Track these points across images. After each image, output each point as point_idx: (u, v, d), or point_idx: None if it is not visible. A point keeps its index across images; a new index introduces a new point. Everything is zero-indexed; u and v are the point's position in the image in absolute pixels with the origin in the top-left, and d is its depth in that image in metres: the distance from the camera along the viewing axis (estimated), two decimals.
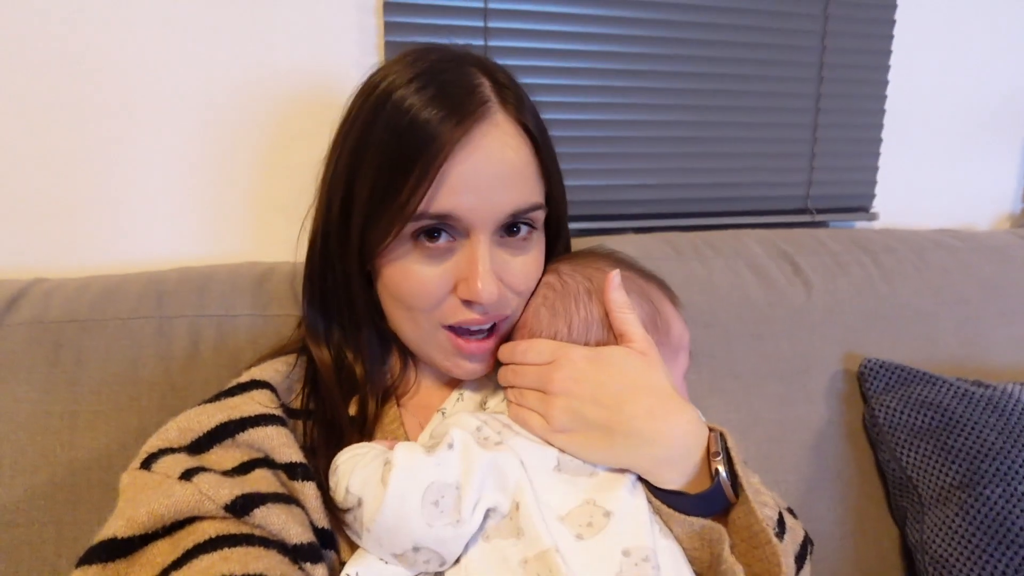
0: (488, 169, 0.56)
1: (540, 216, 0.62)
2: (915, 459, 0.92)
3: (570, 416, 0.54)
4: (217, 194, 0.98)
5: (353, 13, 1.00)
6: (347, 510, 0.53)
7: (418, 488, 0.50)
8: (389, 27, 1.00)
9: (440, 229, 0.57)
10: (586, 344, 0.58)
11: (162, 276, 0.86)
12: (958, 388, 0.94)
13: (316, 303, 0.66)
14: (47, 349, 0.75)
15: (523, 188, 0.59)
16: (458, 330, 0.61)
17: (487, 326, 0.61)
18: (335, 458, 0.57)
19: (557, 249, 0.69)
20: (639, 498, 0.54)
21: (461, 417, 0.58)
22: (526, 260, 0.61)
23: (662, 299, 0.63)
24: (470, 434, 0.54)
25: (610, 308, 0.58)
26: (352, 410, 0.63)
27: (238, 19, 0.95)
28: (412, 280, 0.58)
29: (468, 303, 0.58)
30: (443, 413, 0.65)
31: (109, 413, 0.74)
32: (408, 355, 0.68)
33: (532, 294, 0.62)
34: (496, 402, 0.64)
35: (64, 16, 0.89)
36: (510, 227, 0.60)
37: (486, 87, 0.59)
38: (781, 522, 0.59)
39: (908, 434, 0.93)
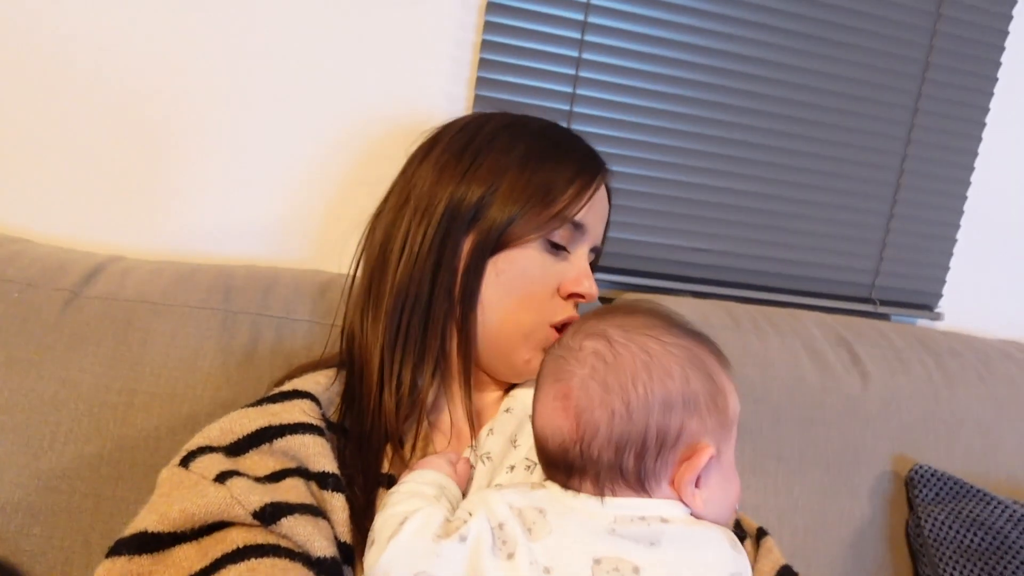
0: (603, 207, 0.74)
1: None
2: None
3: None
4: (293, 200, 1.01)
5: (450, 47, 1.03)
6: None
7: (406, 570, 0.48)
8: (483, 63, 1.03)
9: (567, 235, 0.68)
10: (646, 428, 0.52)
11: (231, 271, 0.89)
12: (1014, 512, 0.90)
13: (418, 297, 0.66)
14: (117, 326, 0.78)
15: (603, 232, 0.75)
16: (559, 328, 0.68)
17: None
18: (412, 474, 0.57)
19: None
20: None
21: (492, 502, 0.53)
22: None
23: (717, 368, 0.56)
24: (492, 530, 0.50)
25: None
26: (388, 423, 0.64)
27: (343, 44, 0.99)
28: (537, 269, 0.67)
29: (571, 297, 0.69)
30: (473, 447, 0.64)
31: (164, 397, 0.76)
32: (440, 374, 0.68)
33: (576, 362, 0.55)
34: (527, 440, 0.62)
35: (173, 17, 0.94)
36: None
37: None
38: None
39: (954, 552, 0.89)
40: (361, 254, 0.73)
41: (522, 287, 0.66)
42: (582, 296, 0.69)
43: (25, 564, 0.71)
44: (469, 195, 0.66)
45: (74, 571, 0.72)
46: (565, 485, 0.54)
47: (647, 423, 0.51)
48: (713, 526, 0.53)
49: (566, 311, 0.68)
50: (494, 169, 0.67)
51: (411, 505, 0.52)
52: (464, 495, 0.59)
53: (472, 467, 0.62)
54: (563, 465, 0.54)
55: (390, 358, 0.65)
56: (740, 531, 0.70)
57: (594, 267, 0.77)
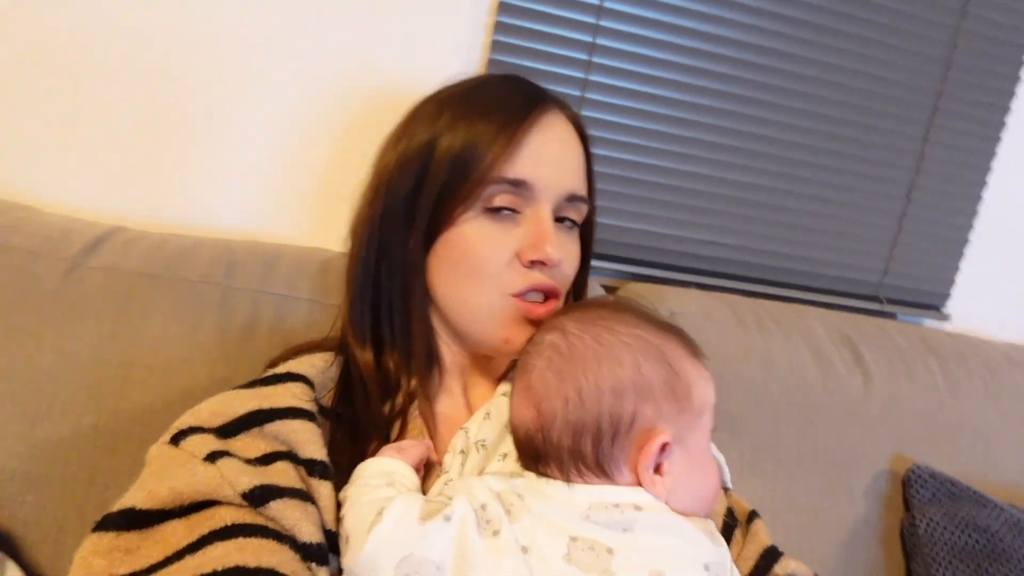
0: (556, 148, 0.64)
1: (584, 212, 0.67)
2: None
3: None
4: (298, 177, 1.00)
5: (463, 25, 1.01)
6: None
7: (393, 556, 0.48)
8: (496, 46, 1.01)
9: (509, 196, 0.61)
10: (598, 414, 0.53)
11: (234, 246, 0.88)
12: (1010, 516, 0.89)
13: (367, 295, 0.66)
14: (117, 297, 0.78)
15: (579, 178, 0.66)
16: (525, 297, 0.62)
17: (548, 289, 0.63)
18: (356, 470, 0.56)
19: (579, 279, 0.72)
20: None
21: (473, 486, 0.54)
22: (572, 247, 0.66)
23: (680, 356, 0.56)
24: (475, 511, 0.51)
25: None
26: (375, 415, 0.63)
27: (351, 19, 0.97)
28: (482, 243, 0.61)
29: (533, 265, 0.61)
30: (466, 431, 0.63)
31: (161, 370, 0.76)
32: (435, 359, 0.68)
33: (535, 355, 0.57)
34: None
35: None
36: (560, 218, 0.65)
37: (552, 94, 0.67)
38: None
39: (947, 552, 0.89)
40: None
41: (467, 267, 0.61)
42: (543, 263, 0.61)
43: (19, 532, 0.71)
44: (401, 184, 0.63)
45: (68, 540, 0.72)
46: (537, 472, 0.56)
47: (599, 410, 0.53)
48: (691, 517, 0.54)
49: (527, 279, 0.61)
50: (419, 141, 0.63)
51: (383, 493, 0.52)
52: (419, 471, 0.59)
53: (429, 446, 0.61)
54: (532, 453, 0.56)
55: (372, 358, 0.65)
56: (732, 519, 0.69)
57: (591, 225, 0.71)
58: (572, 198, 0.64)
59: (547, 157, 0.62)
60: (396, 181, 0.63)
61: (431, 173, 0.61)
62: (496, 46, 1.01)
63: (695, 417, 0.55)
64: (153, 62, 0.93)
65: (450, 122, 0.62)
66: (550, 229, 0.61)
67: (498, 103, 0.63)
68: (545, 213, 0.62)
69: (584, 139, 0.68)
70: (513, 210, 0.61)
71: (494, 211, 0.61)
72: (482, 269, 0.61)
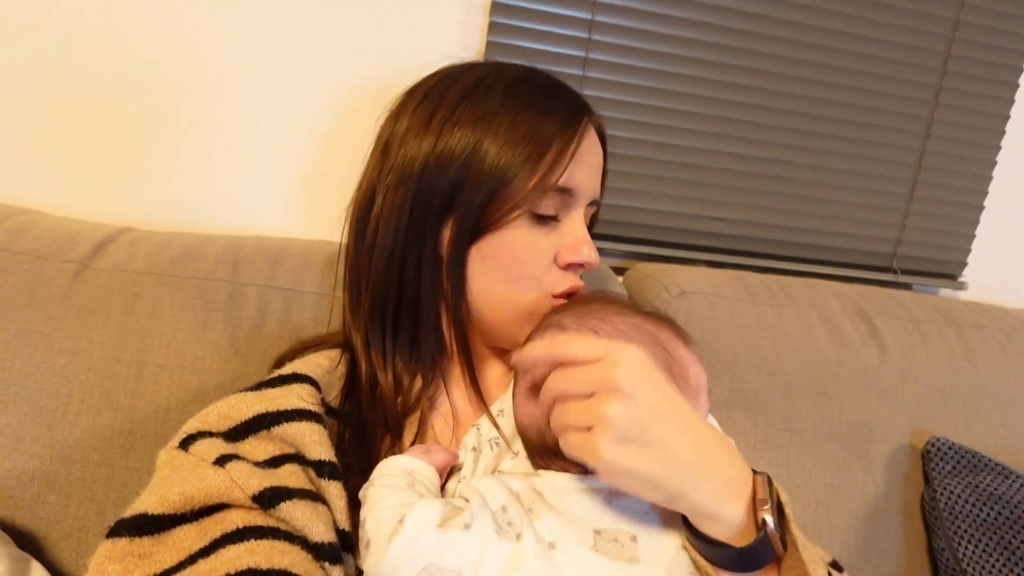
0: (594, 157, 0.66)
1: (592, 212, 0.69)
2: (973, 553, 0.87)
3: (630, 424, 0.45)
4: (301, 172, 1.00)
5: (459, 11, 1.00)
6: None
7: (414, 565, 0.48)
8: (493, 27, 1.00)
9: (555, 203, 0.62)
10: None
11: (240, 242, 0.88)
12: None
13: (391, 288, 0.63)
14: (126, 297, 0.78)
15: (599, 183, 0.68)
16: (564, 298, 0.65)
17: (579, 289, 0.65)
18: (377, 468, 0.56)
19: None
20: None
21: (491, 488, 0.53)
22: None
23: (674, 342, 0.58)
24: (493, 514, 0.51)
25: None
26: (388, 413, 0.63)
27: (347, 9, 0.96)
28: (527, 247, 0.62)
29: (571, 267, 0.64)
30: (478, 428, 0.63)
31: (173, 368, 0.76)
32: (451, 352, 0.67)
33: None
34: None
35: None
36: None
37: (584, 99, 0.67)
38: None
39: (969, 525, 0.88)
40: (347, 243, 0.69)
41: (513, 268, 0.62)
42: (582, 265, 0.64)
43: (42, 531, 0.72)
44: (440, 179, 0.61)
45: (89, 538, 0.73)
46: (554, 469, 0.56)
47: None
48: None
49: (567, 281, 0.64)
50: (463, 143, 0.60)
51: (402, 498, 0.52)
52: (442, 476, 0.59)
53: (455, 454, 0.61)
54: (545, 451, 0.56)
55: (381, 356, 0.64)
56: None
57: (594, 221, 0.72)
58: (593, 202, 0.67)
59: (586, 165, 0.64)
60: (432, 178, 0.61)
61: (478, 174, 0.60)
62: (493, 28, 1.00)
63: (693, 397, 0.56)
64: (152, 64, 0.93)
65: (499, 117, 0.61)
66: (586, 233, 0.64)
67: (552, 107, 0.63)
68: (580, 217, 0.64)
69: (604, 144, 0.69)
70: (555, 216, 0.63)
71: (540, 216, 0.62)
72: (528, 272, 0.62)
